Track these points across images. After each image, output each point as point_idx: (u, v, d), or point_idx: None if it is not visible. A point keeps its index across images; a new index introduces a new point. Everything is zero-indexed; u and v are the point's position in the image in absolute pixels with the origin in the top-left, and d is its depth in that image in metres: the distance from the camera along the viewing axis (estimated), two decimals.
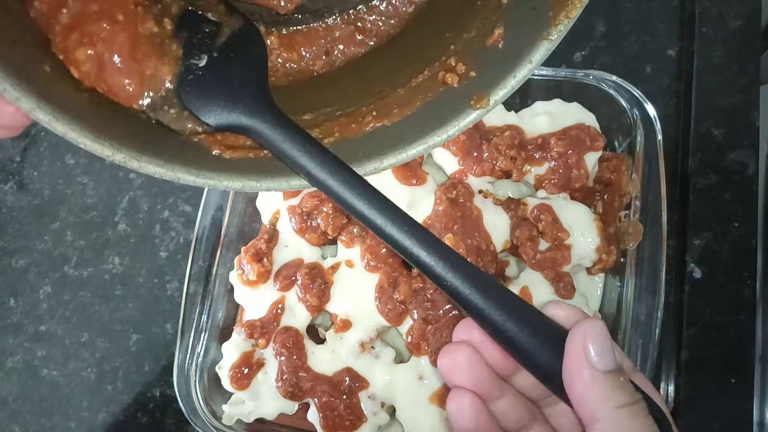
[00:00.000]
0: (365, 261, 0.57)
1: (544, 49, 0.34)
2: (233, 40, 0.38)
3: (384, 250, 0.57)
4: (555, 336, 0.34)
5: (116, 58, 0.34)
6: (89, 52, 0.33)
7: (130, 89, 0.35)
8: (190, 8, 0.37)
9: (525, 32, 0.35)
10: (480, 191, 0.59)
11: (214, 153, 0.36)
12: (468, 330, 0.36)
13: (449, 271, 0.35)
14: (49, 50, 0.33)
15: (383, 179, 0.60)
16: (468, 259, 0.54)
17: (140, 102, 0.35)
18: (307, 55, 0.44)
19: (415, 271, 0.57)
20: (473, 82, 0.37)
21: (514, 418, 0.36)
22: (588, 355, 0.32)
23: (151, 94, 0.35)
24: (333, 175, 0.35)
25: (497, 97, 0.35)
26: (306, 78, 0.44)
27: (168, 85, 0.36)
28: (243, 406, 0.57)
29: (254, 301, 0.60)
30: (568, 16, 0.33)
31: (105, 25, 0.34)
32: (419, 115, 0.37)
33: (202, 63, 0.37)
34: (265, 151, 0.37)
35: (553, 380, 0.34)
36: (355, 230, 0.58)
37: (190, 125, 0.36)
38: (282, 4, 0.40)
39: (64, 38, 0.34)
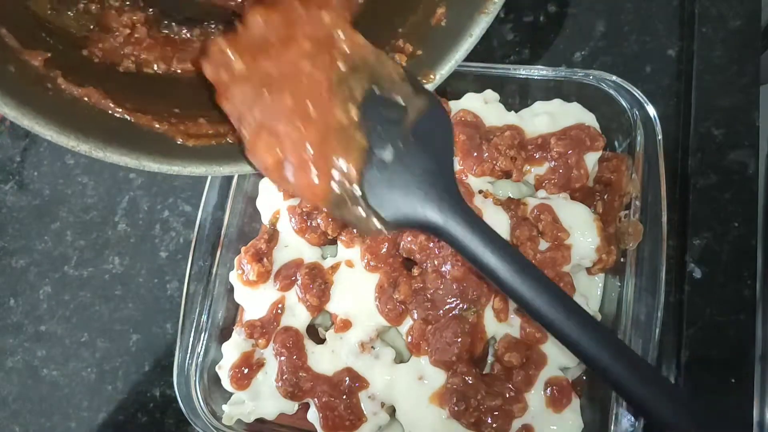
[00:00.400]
0: (365, 261, 0.57)
1: (483, 23, 0.36)
2: (419, 125, 0.36)
3: (384, 250, 0.57)
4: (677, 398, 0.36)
5: (304, 157, 0.33)
6: (278, 153, 0.33)
7: (316, 188, 0.34)
8: (375, 90, 0.35)
9: (465, 9, 0.36)
10: (480, 191, 0.59)
11: (178, 142, 0.37)
12: None
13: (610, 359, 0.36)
14: (14, 55, 0.34)
15: None
16: None
17: (326, 201, 0.34)
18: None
19: (415, 271, 0.57)
20: (420, 61, 0.38)
21: None
22: None
23: (337, 192, 0.34)
24: (524, 281, 0.35)
25: (443, 72, 0.37)
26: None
27: (354, 183, 0.34)
28: (243, 406, 0.57)
29: (254, 301, 0.60)
30: None
31: (298, 125, 0.33)
32: (419, 58, 0.39)
33: (389, 158, 0.34)
34: (228, 139, 0.38)
35: None
36: (354, 230, 0.58)
37: (374, 222, 0.34)
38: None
39: (255, 137, 0.34)
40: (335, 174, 0.34)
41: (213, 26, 0.43)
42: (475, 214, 0.37)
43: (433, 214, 0.35)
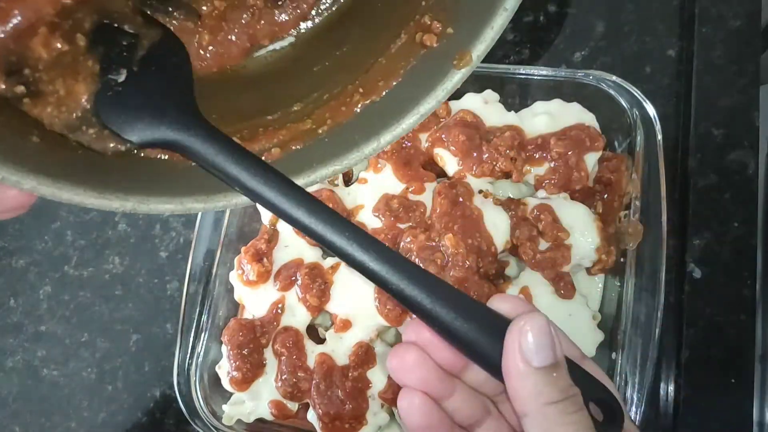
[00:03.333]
0: None
1: None
2: (154, 52, 0.36)
3: None
4: (501, 330, 0.33)
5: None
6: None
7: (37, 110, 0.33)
8: (105, 21, 0.35)
9: None
10: (480, 191, 0.59)
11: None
12: (416, 330, 0.36)
13: (393, 274, 0.34)
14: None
15: (384, 179, 0.60)
16: (468, 260, 0.54)
17: (60, 127, 0.33)
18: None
19: None
20: (452, 40, 0.35)
21: (467, 414, 0.36)
22: (522, 350, 0.32)
23: (65, 114, 0.33)
24: (269, 185, 0.33)
25: (479, 52, 0.34)
26: (282, 67, 0.43)
27: (84, 104, 0.33)
28: (243, 406, 0.57)
29: (254, 301, 0.60)
30: None
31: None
32: (405, 84, 0.36)
33: (121, 78, 0.34)
34: (262, 158, 0.35)
35: (501, 374, 0.34)
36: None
37: (111, 144, 0.34)
38: None
39: None
40: (61, 97, 0.34)
41: None
42: (216, 129, 0.35)
43: (170, 131, 0.34)
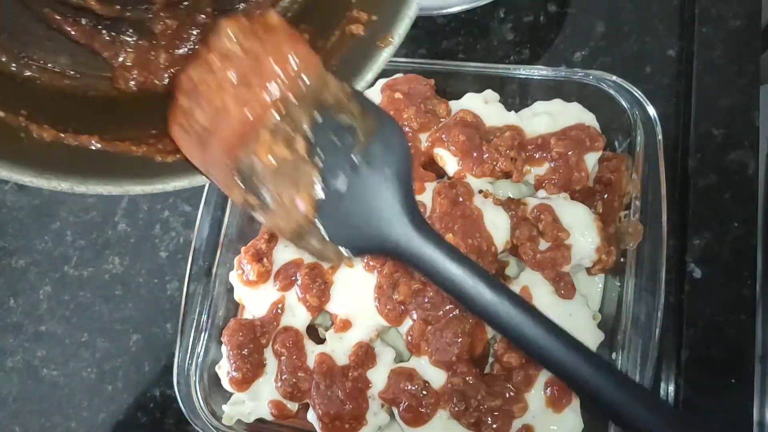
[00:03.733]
0: (365, 261, 0.57)
1: None
2: (371, 148, 0.34)
3: None
4: None
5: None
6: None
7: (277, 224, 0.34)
8: (320, 117, 0.34)
9: None
10: (480, 191, 0.59)
11: (157, 160, 0.37)
12: None
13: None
14: None
15: None
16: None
17: (288, 234, 0.34)
18: None
19: (418, 276, 0.56)
20: (376, 26, 0.38)
21: None
22: None
23: (293, 224, 0.33)
24: (501, 297, 0.34)
25: (400, 31, 0.37)
26: None
27: (307, 215, 0.33)
28: (243, 406, 0.57)
29: (254, 301, 0.60)
30: None
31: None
32: (338, 71, 0.38)
33: (342, 187, 0.34)
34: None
35: None
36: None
37: (333, 254, 0.34)
38: None
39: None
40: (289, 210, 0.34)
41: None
42: (438, 236, 0.35)
43: (391, 243, 0.34)
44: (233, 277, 0.60)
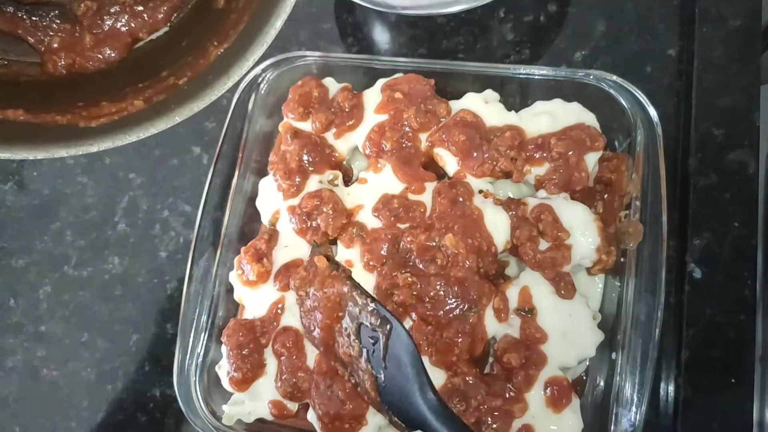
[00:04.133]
0: (365, 261, 0.57)
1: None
2: (390, 346, 0.46)
3: (384, 250, 0.57)
4: None
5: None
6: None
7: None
8: (355, 325, 0.47)
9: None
10: (480, 191, 0.59)
11: (81, 125, 0.41)
12: None
13: None
14: None
15: (384, 179, 0.60)
16: (468, 260, 0.54)
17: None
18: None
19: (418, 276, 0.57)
20: (228, 52, 0.48)
21: None
22: None
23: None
24: None
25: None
26: (156, 49, 0.52)
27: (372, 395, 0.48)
28: (243, 406, 0.57)
29: (254, 301, 0.59)
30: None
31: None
32: (250, 25, 0.48)
33: (383, 381, 0.46)
34: (125, 112, 0.45)
35: None
36: (354, 231, 0.58)
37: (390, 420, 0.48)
38: None
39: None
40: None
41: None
42: (452, 414, 0.45)
43: (419, 419, 0.44)
44: (233, 277, 0.60)
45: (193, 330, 0.59)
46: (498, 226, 0.56)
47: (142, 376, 0.68)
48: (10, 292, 0.73)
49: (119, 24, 0.48)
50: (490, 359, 0.56)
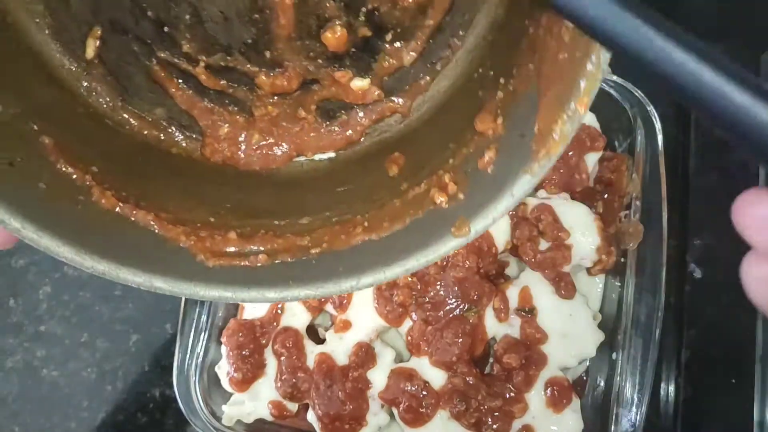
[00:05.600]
0: None
1: (526, 183, 0.33)
2: None
3: None
4: None
5: None
6: None
7: None
8: None
9: (512, 160, 0.34)
10: None
11: (197, 259, 0.34)
12: None
13: None
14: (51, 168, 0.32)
15: None
16: (468, 260, 0.54)
17: None
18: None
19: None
20: (460, 206, 0.36)
21: None
22: None
23: None
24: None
25: (477, 228, 0.34)
26: (311, 177, 0.43)
27: None
28: (243, 406, 0.57)
29: None
30: (548, 153, 0.31)
31: None
32: (405, 234, 0.37)
33: None
34: (247, 261, 0.35)
35: None
36: None
37: None
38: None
39: None
40: None
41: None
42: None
43: None
44: None
45: (193, 330, 0.59)
46: (498, 226, 0.56)
47: (142, 376, 0.68)
48: (10, 292, 0.73)
49: (292, 137, 0.41)
50: (490, 359, 0.56)
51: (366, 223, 0.38)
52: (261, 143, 0.41)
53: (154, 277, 0.32)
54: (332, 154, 0.43)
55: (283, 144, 0.41)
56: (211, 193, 0.39)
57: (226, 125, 0.40)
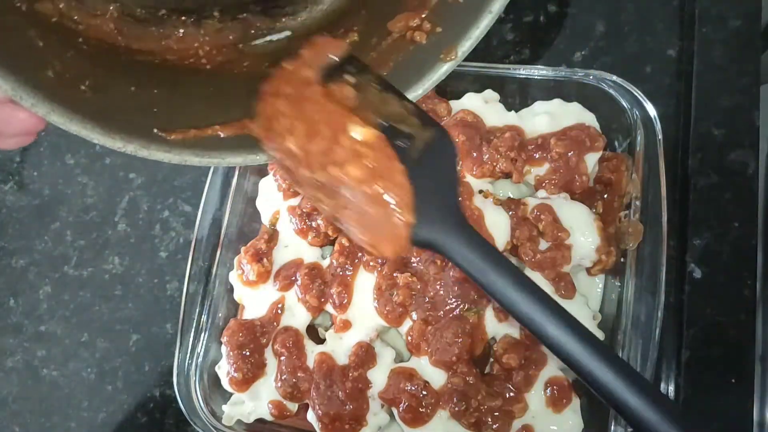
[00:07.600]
0: (365, 261, 0.57)
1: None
2: (426, 153, 0.39)
3: None
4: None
5: None
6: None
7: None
8: (385, 123, 0.38)
9: None
10: (480, 191, 0.59)
11: (219, 134, 0.38)
12: None
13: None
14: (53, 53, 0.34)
15: None
16: None
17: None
18: None
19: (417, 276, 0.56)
20: (440, 37, 0.39)
21: None
22: None
23: None
24: (519, 293, 0.39)
25: (464, 48, 0.38)
26: None
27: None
28: (243, 406, 0.57)
29: (254, 301, 0.59)
30: None
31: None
32: (395, 74, 0.40)
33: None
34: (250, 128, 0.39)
35: None
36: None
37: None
38: None
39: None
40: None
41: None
42: (476, 234, 0.39)
43: (432, 233, 0.38)
44: (233, 277, 0.60)
45: (193, 330, 0.59)
46: (498, 226, 0.56)
47: (142, 376, 0.68)
48: (10, 292, 0.73)
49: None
50: (490, 359, 0.56)
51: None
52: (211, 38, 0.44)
53: (183, 150, 0.37)
54: (289, 33, 0.46)
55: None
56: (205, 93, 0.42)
57: (181, 29, 0.43)
